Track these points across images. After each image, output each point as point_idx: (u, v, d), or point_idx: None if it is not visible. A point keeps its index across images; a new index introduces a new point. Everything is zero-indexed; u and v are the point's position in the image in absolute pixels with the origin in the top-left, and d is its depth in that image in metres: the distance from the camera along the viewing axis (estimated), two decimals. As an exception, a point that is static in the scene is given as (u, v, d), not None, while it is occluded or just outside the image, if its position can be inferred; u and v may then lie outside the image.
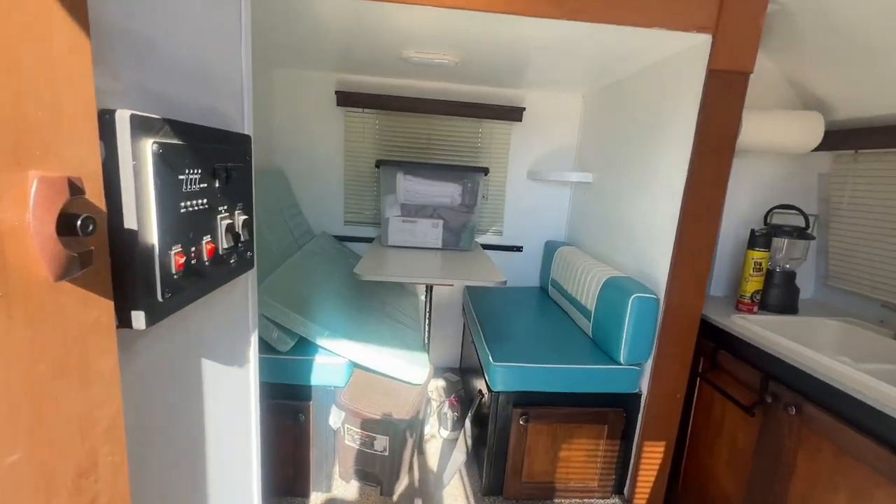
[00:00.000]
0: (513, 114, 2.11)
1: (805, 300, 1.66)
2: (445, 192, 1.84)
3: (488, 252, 2.28)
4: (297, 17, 1.33)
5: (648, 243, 1.50)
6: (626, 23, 1.18)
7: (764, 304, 1.53)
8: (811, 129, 1.46)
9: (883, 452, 0.90)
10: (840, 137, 1.47)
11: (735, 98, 1.26)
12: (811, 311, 1.54)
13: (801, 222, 1.57)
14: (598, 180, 1.94)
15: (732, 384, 1.33)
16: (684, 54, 1.34)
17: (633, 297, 1.37)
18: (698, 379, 1.46)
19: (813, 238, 1.51)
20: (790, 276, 1.54)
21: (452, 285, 2.22)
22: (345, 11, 1.26)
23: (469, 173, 1.83)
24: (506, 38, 1.39)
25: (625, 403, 1.47)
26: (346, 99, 2.02)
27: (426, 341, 1.70)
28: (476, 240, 2.24)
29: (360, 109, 2.09)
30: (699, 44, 1.26)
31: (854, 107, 1.43)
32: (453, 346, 2.39)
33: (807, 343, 1.18)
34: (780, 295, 1.53)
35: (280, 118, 2.09)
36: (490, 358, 1.43)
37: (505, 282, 1.44)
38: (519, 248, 2.32)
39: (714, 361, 1.41)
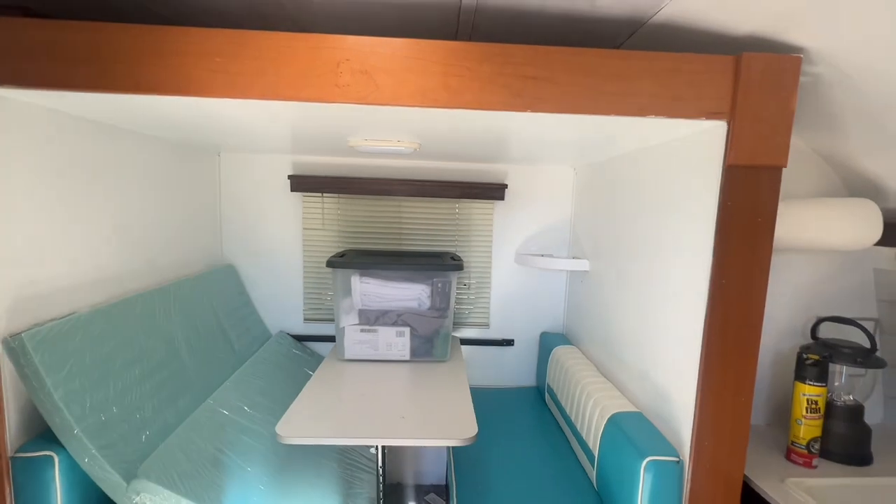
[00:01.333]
0: (493, 192, 1.83)
1: (874, 427, 1.27)
2: (411, 294, 1.53)
3: (474, 350, 1.94)
4: (217, 119, 1.09)
5: (662, 368, 1.15)
6: (609, 113, 0.90)
7: (824, 450, 1.15)
8: (865, 220, 1.13)
9: None
10: (904, 232, 1.13)
11: (766, 193, 0.94)
12: (886, 453, 1.15)
13: (860, 338, 1.20)
14: (597, 270, 1.62)
15: None
16: (697, 138, 1.04)
17: (646, 460, 1.01)
18: (747, 574, 1.07)
19: (884, 364, 1.14)
20: (856, 411, 1.16)
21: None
22: (256, 115, 1.01)
23: (439, 272, 1.53)
24: (469, 128, 1.12)
25: None
26: (301, 184, 1.77)
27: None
28: (457, 334, 1.91)
29: (318, 194, 1.83)
30: (712, 128, 0.96)
31: (921, 196, 1.11)
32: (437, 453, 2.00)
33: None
34: (845, 440, 1.15)
35: (229, 207, 1.84)
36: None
37: (474, 436, 1.09)
38: (509, 342, 1.98)
39: (767, 551, 1.02)
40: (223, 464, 1.12)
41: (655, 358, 1.18)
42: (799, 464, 1.12)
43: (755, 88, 0.89)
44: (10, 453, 0.95)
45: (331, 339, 1.92)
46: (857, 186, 1.24)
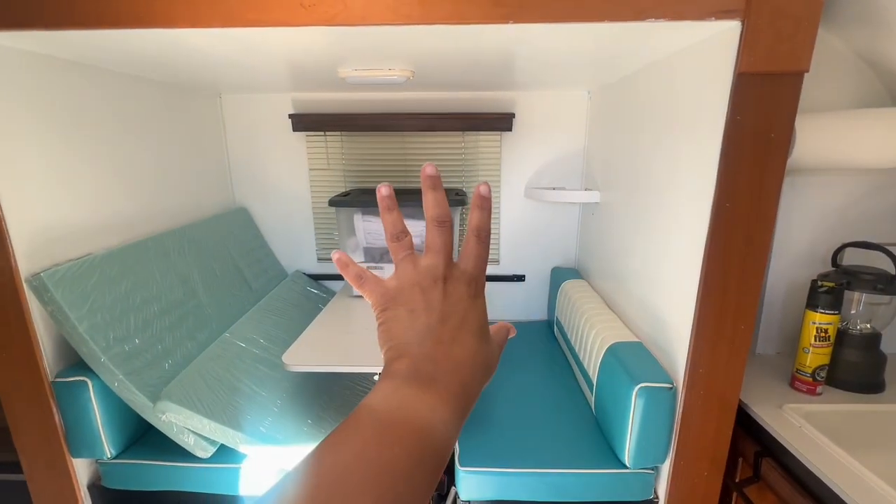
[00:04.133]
0: (500, 122, 1.74)
1: (891, 356, 1.22)
2: (414, 230, 1.52)
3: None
4: (191, 54, 1.06)
5: (663, 296, 1.12)
6: (603, 19, 0.80)
7: (833, 378, 1.12)
8: (904, 135, 1.00)
9: None
10: (952, 145, 1.00)
11: (785, 104, 0.84)
12: (902, 382, 1.11)
13: (886, 264, 1.12)
14: (608, 200, 1.55)
15: (784, 514, 0.96)
16: (708, 44, 0.93)
17: (638, 387, 1.02)
18: (734, 492, 1.09)
19: (907, 291, 1.07)
20: (873, 339, 1.11)
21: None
22: (231, 47, 0.97)
23: (440, 208, 1.51)
24: (467, 49, 1.04)
25: (635, 513, 1.13)
26: (302, 122, 1.74)
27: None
28: (468, 272, 1.92)
29: (321, 133, 1.80)
30: (727, 30, 0.85)
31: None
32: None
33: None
34: (857, 367, 1.11)
35: (236, 149, 1.85)
36: (457, 459, 1.14)
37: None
38: (521, 278, 1.98)
39: (757, 471, 1.03)
40: (239, 389, 1.22)
41: (657, 287, 1.15)
42: (802, 391, 1.10)
43: (776, -24, 0.77)
44: (50, 378, 1.06)
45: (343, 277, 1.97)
46: (902, 94, 1.09)
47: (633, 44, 1.02)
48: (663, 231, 1.12)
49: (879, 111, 1.03)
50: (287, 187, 1.89)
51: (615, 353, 1.17)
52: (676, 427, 1.03)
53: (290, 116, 1.74)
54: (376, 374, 1.69)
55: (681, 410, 1.02)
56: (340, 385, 1.50)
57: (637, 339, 1.20)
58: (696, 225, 0.95)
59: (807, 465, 0.90)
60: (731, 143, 0.86)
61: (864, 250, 1.15)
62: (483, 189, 0.38)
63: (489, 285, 1.97)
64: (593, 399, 1.27)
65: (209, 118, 1.74)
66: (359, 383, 1.55)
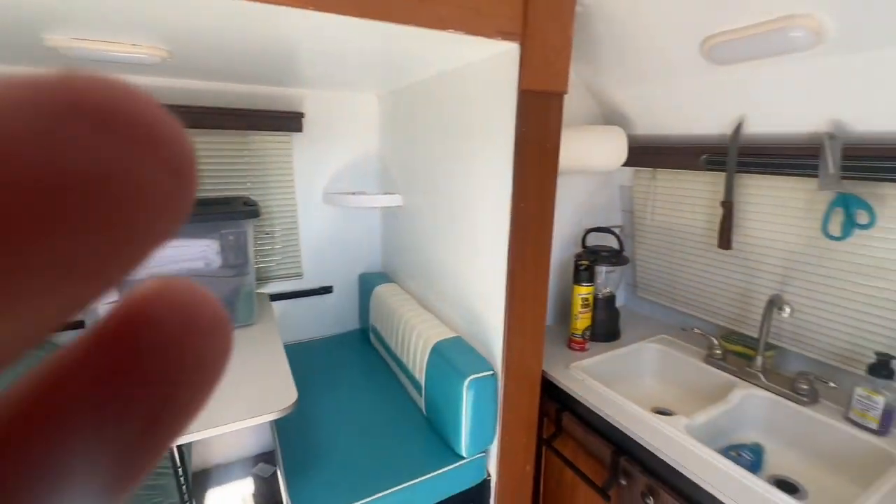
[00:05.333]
0: (289, 122, 1.57)
1: (621, 310, 1.65)
2: (193, 253, 1.23)
3: (288, 304, 1.75)
4: None
5: (475, 291, 1.21)
6: (407, 22, 0.79)
7: (592, 335, 1.43)
8: (618, 147, 1.35)
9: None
10: (639, 155, 1.40)
11: (553, 119, 1.01)
12: (628, 325, 1.51)
13: (613, 241, 1.50)
14: (411, 203, 1.59)
15: (583, 455, 1.17)
16: (494, 61, 1.03)
17: (468, 380, 1.07)
18: (544, 447, 1.29)
19: (627, 262, 1.46)
20: (611, 300, 1.47)
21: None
22: None
23: (228, 222, 1.25)
24: (232, 29, 0.86)
25: (473, 497, 1.20)
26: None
27: None
28: (265, 291, 1.68)
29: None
30: (508, 51, 0.95)
31: (651, 124, 1.37)
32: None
33: (637, 377, 1.07)
34: (604, 323, 1.45)
35: None
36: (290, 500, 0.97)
37: (294, 403, 0.97)
38: (328, 290, 1.85)
39: (559, 425, 1.24)
40: None
41: (469, 283, 1.24)
42: (576, 350, 1.37)
43: (542, 10, 0.90)
44: None
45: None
46: (611, 115, 1.47)
47: (423, 52, 1.05)
48: (469, 231, 1.21)
49: (604, 128, 1.35)
50: None
51: (440, 352, 1.21)
52: (500, 408, 1.14)
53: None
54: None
55: (502, 392, 1.13)
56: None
57: (456, 335, 1.27)
58: (498, 224, 1.05)
59: (591, 407, 1.12)
60: (520, 151, 0.98)
61: (597, 233, 1.51)
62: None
63: (295, 303, 1.78)
64: (423, 400, 1.29)
65: None
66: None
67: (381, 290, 1.66)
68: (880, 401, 0.94)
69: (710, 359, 1.28)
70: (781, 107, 1.04)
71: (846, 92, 0.92)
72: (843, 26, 0.82)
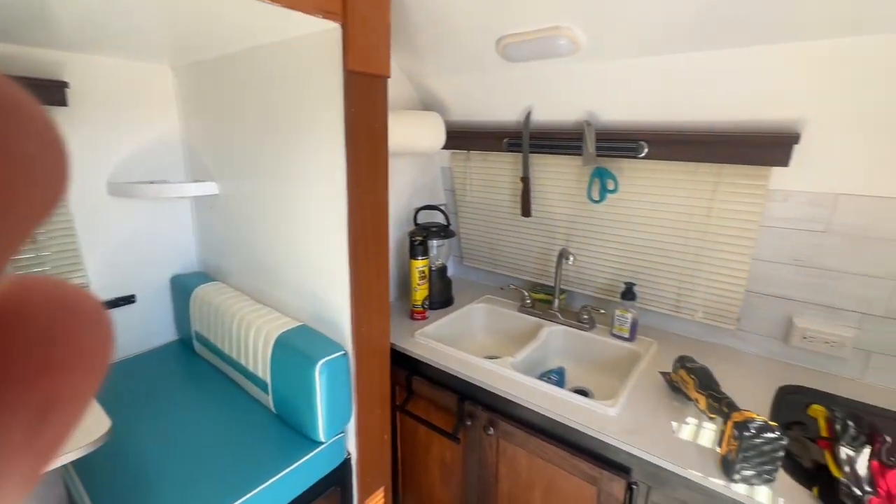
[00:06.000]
0: (47, 93, 1.23)
1: (452, 280, 1.85)
2: None
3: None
4: None
5: (317, 275, 1.20)
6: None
7: (431, 304, 1.57)
8: (437, 131, 1.49)
9: (559, 451, 1.03)
10: (455, 138, 1.57)
11: (379, 102, 1.06)
12: (459, 291, 1.70)
13: (439, 216, 1.66)
14: (231, 191, 1.44)
15: (433, 410, 1.30)
16: (316, 39, 1.00)
17: (319, 364, 1.06)
18: (398, 413, 1.37)
19: (454, 234, 1.63)
20: (443, 270, 1.63)
21: None
22: None
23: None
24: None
25: (336, 479, 1.21)
26: None
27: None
28: (35, 313, 1.30)
29: None
30: (330, 30, 0.95)
31: (464, 110, 1.54)
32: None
33: (471, 334, 1.24)
34: (440, 291, 1.60)
35: None
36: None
37: (107, 433, 0.81)
38: (129, 300, 1.54)
39: (410, 389, 1.34)
40: None
41: (310, 268, 1.21)
42: (419, 319, 1.49)
43: (361, -7, 0.93)
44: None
45: None
46: (429, 101, 1.60)
47: (230, 22, 0.96)
48: (305, 215, 1.17)
49: (424, 113, 1.46)
50: None
51: (285, 343, 1.16)
52: (354, 385, 1.16)
53: None
54: None
55: (354, 370, 1.16)
56: None
57: (301, 323, 1.24)
58: (337, 206, 1.06)
59: (437, 366, 1.24)
60: (351, 133, 1.00)
61: (427, 210, 1.65)
62: None
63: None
64: (271, 397, 1.22)
65: None
66: None
67: (204, 292, 1.47)
68: (629, 317, 1.31)
69: (523, 308, 1.55)
70: (558, 99, 1.31)
71: (596, 90, 1.22)
72: (591, 40, 1.08)
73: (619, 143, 1.22)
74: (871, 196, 1.01)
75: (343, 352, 1.12)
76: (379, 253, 1.15)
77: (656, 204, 1.28)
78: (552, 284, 1.51)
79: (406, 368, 1.35)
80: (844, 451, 0.75)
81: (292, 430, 1.18)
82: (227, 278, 1.55)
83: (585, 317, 1.42)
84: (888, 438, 0.78)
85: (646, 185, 1.28)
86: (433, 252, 1.60)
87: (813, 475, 0.82)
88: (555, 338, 1.43)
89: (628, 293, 1.31)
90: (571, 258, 1.37)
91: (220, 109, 1.38)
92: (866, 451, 0.76)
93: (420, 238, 1.45)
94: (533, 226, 1.58)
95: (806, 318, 1.18)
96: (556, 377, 1.31)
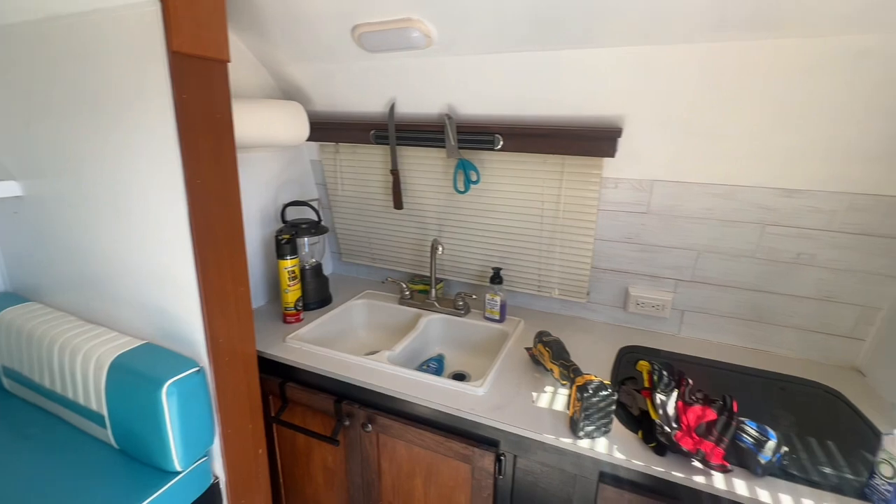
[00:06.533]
0: None
1: (330, 277, 1.78)
2: None
3: None
4: None
5: (161, 286, 1.05)
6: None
7: (306, 305, 1.49)
8: (298, 121, 1.40)
9: (435, 436, 1.06)
10: (322, 130, 1.50)
11: (218, 88, 0.95)
12: (338, 290, 1.65)
13: (311, 213, 1.58)
14: (41, 192, 1.19)
15: (310, 415, 1.24)
16: (132, 12, 0.86)
17: (166, 385, 0.94)
18: (273, 425, 1.28)
19: (327, 230, 1.56)
20: (318, 268, 1.56)
21: None
22: None
23: None
24: None
25: (201, 507, 1.09)
26: None
27: None
28: None
29: None
30: (146, 3, 0.82)
31: (328, 101, 1.47)
32: None
33: (352, 332, 1.22)
34: (316, 291, 1.53)
35: None
36: None
37: None
38: None
39: (284, 397, 1.26)
40: None
41: (152, 277, 1.06)
42: (292, 322, 1.40)
43: (182, -35, 0.82)
44: None
45: None
46: (288, 90, 1.50)
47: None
48: (139, 218, 1.02)
49: (283, 102, 1.37)
50: None
51: (122, 367, 1.00)
52: (215, 403, 1.06)
53: None
54: None
55: (214, 385, 1.05)
56: None
57: (143, 342, 1.08)
58: (174, 206, 0.94)
59: (311, 370, 1.19)
60: (185, 122, 0.89)
61: (296, 207, 1.56)
62: None
63: None
64: (110, 431, 1.05)
65: None
66: None
67: (12, 316, 1.20)
68: (497, 300, 1.40)
69: (402, 300, 1.56)
70: (420, 92, 1.32)
71: (454, 85, 1.25)
72: (442, 34, 1.10)
73: (478, 135, 1.28)
74: (675, 181, 1.21)
75: (197, 368, 1.01)
76: (234, 254, 1.05)
77: (515, 193, 1.38)
78: (429, 275, 1.54)
79: (279, 376, 1.27)
80: (658, 397, 0.90)
81: (141, 464, 1.03)
82: (46, 297, 1.29)
83: (461, 303, 1.48)
84: (691, 381, 0.95)
85: (504, 175, 1.36)
86: (305, 250, 1.52)
87: (639, 421, 0.96)
88: (433, 326, 1.47)
89: (496, 277, 1.40)
90: (441, 248, 1.41)
91: (19, 91, 1.12)
92: (675, 394, 0.91)
93: (287, 236, 1.36)
94: (406, 218, 1.59)
95: (638, 288, 1.37)
96: (436, 364, 1.35)
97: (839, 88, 0.93)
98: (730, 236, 1.21)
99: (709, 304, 1.31)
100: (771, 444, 0.82)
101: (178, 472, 1.02)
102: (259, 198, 1.51)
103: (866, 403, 1.06)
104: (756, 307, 1.26)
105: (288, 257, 1.36)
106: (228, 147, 1.00)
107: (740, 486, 0.81)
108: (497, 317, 1.41)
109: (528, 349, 1.22)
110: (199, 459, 1.07)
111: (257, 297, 1.55)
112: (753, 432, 0.84)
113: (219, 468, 1.13)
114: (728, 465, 0.83)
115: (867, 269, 1.12)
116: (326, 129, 1.50)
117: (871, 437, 0.95)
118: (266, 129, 1.30)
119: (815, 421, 1.02)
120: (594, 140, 1.16)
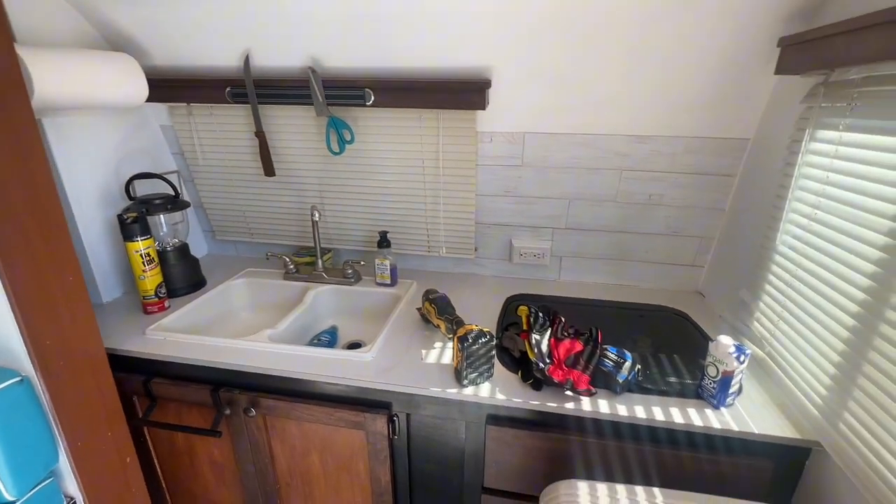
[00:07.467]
0: None
1: (205, 259, 1.60)
2: None
3: None
4: None
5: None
6: None
7: (171, 290, 1.32)
8: (132, 78, 1.18)
9: (324, 409, 1.02)
10: (166, 89, 1.29)
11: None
12: (214, 272, 1.49)
13: (168, 188, 1.38)
14: None
15: (185, 409, 1.12)
16: None
17: (-28, 405, 0.77)
18: (143, 427, 1.14)
19: (188, 205, 1.38)
20: (184, 249, 1.38)
21: None
22: None
23: None
24: None
25: (56, 534, 0.94)
26: None
27: None
28: None
29: None
30: None
31: (168, 54, 1.26)
32: None
33: (232, 314, 1.11)
34: (184, 274, 1.36)
35: None
36: None
37: None
38: None
39: (152, 395, 1.12)
40: None
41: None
42: (155, 312, 1.24)
43: None
44: None
45: None
46: (117, 41, 1.25)
47: None
48: None
49: (108, 54, 1.14)
50: None
51: None
52: (52, 414, 0.90)
53: None
54: None
55: (48, 394, 0.88)
56: None
57: (-62, 356, 0.86)
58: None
59: (180, 361, 1.06)
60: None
61: (149, 180, 1.35)
62: None
63: None
64: None
65: None
66: None
67: None
68: (387, 264, 1.37)
69: (287, 275, 1.45)
70: (276, 43, 1.18)
71: (313, 33, 1.14)
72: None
73: (347, 90, 1.20)
74: (543, 133, 1.25)
75: (18, 378, 0.83)
76: (52, 241, 0.87)
77: (393, 152, 1.33)
78: (314, 245, 1.45)
79: (143, 373, 1.11)
80: (534, 337, 0.95)
81: (-42, 501, 0.85)
82: None
83: (350, 271, 1.42)
84: (563, 319, 1.02)
85: (380, 133, 1.30)
86: (163, 230, 1.33)
87: (520, 362, 1.02)
88: (323, 299, 1.40)
89: (384, 241, 1.36)
90: (317, 214, 1.33)
91: None
92: (548, 332, 0.97)
93: (134, 215, 1.17)
94: (281, 186, 1.46)
95: (520, 239, 1.43)
96: (328, 337, 1.29)
97: (671, 36, 1.01)
98: (595, 183, 1.30)
99: (581, 248, 1.41)
100: (627, 364, 0.92)
101: (13, 502, 0.86)
102: (94, 173, 1.27)
103: (705, 319, 1.24)
104: (619, 247, 1.38)
105: (138, 239, 1.18)
106: (21, 110, 0.80)
107: (603, 406, 0.90)
108: (388, 281, 1.38)
109: (418, 309, 1.21)
110: (41, 482, 0.91)
111: (109, 288, 1.33)
112: (613, 356, 0.94)
113: (73, 488, 0.97)
114: (593, 388, 0.91)
115: (702, 204, 1.28)
116: (172, 87, 1.29)
117: (707, 347, 1.12)
118: (86, 87, 1.08)
119: (666, 340, 1.17)
120: (465, 92, 1.14)
